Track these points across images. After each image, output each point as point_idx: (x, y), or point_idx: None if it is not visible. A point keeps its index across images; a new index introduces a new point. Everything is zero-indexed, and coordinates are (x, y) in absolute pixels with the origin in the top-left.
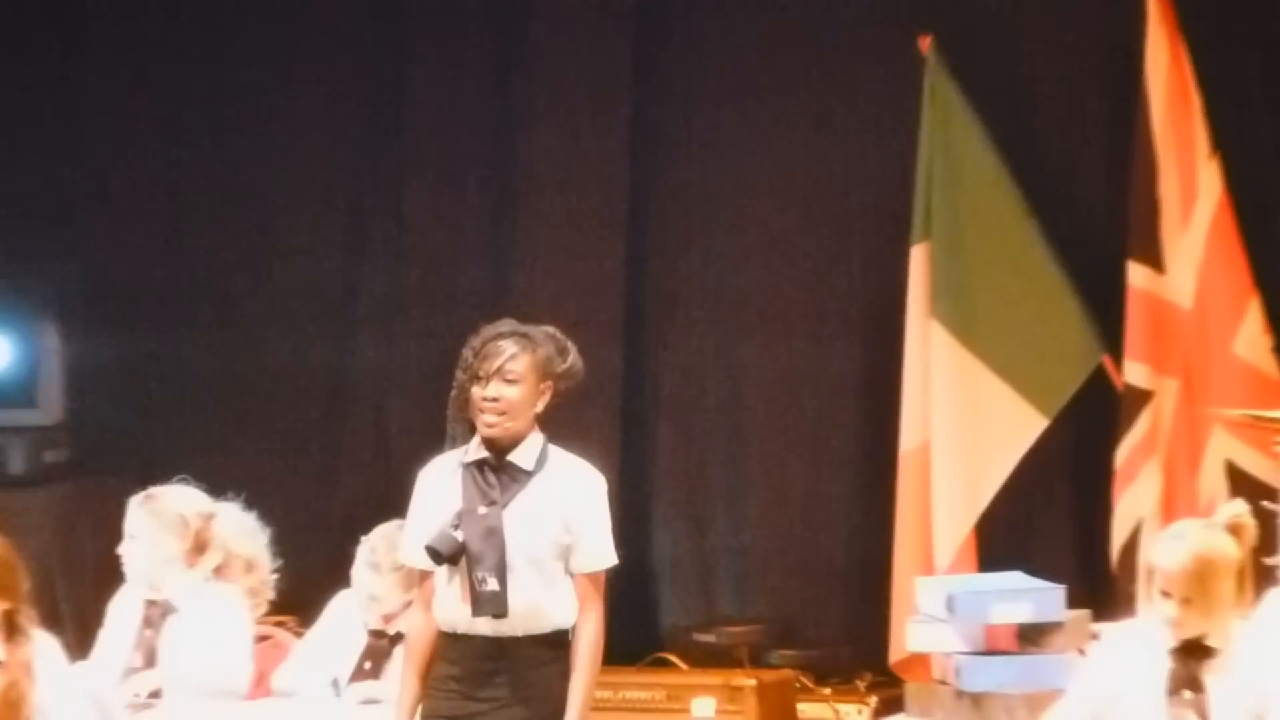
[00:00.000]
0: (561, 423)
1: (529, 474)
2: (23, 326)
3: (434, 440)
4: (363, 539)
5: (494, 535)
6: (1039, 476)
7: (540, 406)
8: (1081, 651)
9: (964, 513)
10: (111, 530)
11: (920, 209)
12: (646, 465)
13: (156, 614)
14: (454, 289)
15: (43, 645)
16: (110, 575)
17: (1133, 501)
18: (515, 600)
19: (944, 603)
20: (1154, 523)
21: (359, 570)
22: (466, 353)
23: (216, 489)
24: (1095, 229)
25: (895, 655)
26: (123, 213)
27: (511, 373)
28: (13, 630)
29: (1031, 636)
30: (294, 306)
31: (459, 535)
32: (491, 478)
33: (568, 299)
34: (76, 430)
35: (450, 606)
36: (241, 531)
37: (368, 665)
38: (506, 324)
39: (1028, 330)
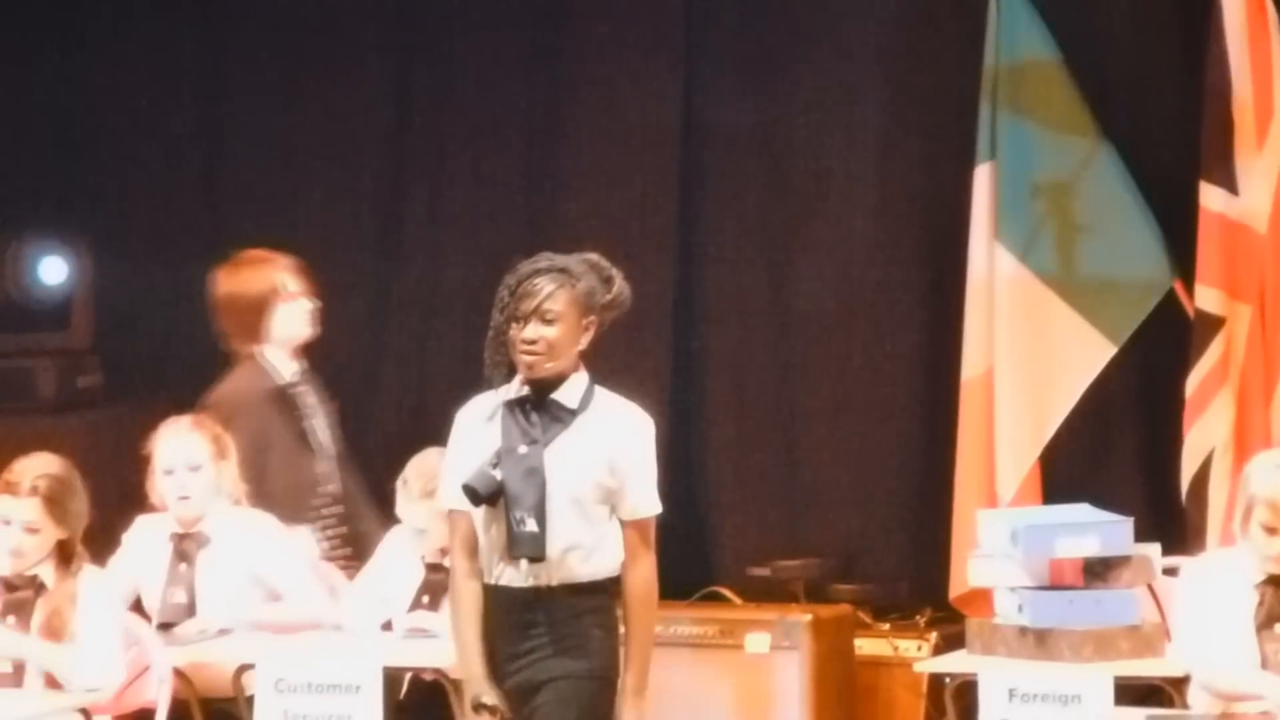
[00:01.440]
0: (611, 353)
1: (573, 412)
2: (58, 248)
3: (477, 371)
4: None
5: (534, 475)
6: (1106, 405)
7: (584, 343)
8: (1151, 586)
9: (1028, 443)
10: (142, 457)
11: (984, 128)
12: (699, 396)
13: (192, 547)
14: (499, 215)
15: (92, 579)
16: (141, 503)
17: (1204, 431)
18: (554, 544)
19: (1007, 536)
20: (1226, 454)
21: (399, 505)
22: (502, 292)
23: None
24: (1166, 148)
25: (956, 590)
26: (159, 138)
27: (550, 312)
28: (65, 559)
29: (1098, 571)
30: (333, 233)
31: (497, 474)
32: (534, 416)
33: (617, 225)
34: (109, 356)
35: (486, 553)
36: None
37: (425, 599)
38: (543, 259)
39: (1096, 253)
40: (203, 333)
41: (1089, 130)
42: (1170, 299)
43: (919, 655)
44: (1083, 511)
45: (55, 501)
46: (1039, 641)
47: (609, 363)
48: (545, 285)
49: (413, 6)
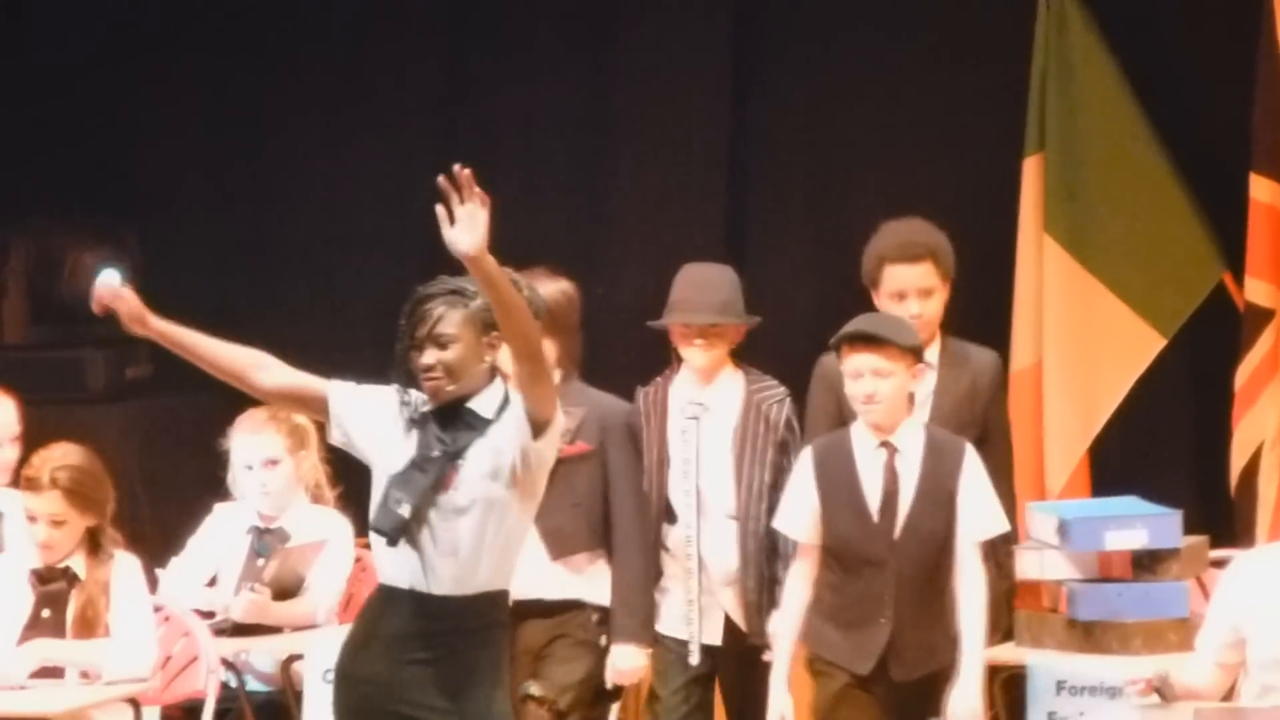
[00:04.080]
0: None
1: (488, 422)
2: (116, 257)
3: None
4: None
5: (428, 468)
6: (1156, 398)
7: (490, 359)
8: (1200, 579)
9: (1078, 435)
10: (192, 448)
11: (1033, 120)
12: None
13: (271, 542)
14: (545, 219)
15: (123, 565)
16: (192, 493)
17: (1253, 424)
18: (442, 547)
19: (1056, 528)
20: (1275, 446)
21: None
22: (401, 317)
23: None
24: (1216, 140)
25: None
26: (209, 129)
27: (443, 335)
28: (95, 548)
29: (1147, 563)
30: (384, 232)
31: (404, 511)
32: (447, 429)
33: (666, 225)
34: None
35: (377, 553)
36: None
37: None
38: (438, 283)
39: (1145, 245)
40: (250, 324)
41: (1138, 122)
42: (1220, 291)
43: None
44: (1132, 504)
45: (76, 491)
46: (1087, 634)
47: (660, 367)
48: (436, 308)
49: (462, 4)
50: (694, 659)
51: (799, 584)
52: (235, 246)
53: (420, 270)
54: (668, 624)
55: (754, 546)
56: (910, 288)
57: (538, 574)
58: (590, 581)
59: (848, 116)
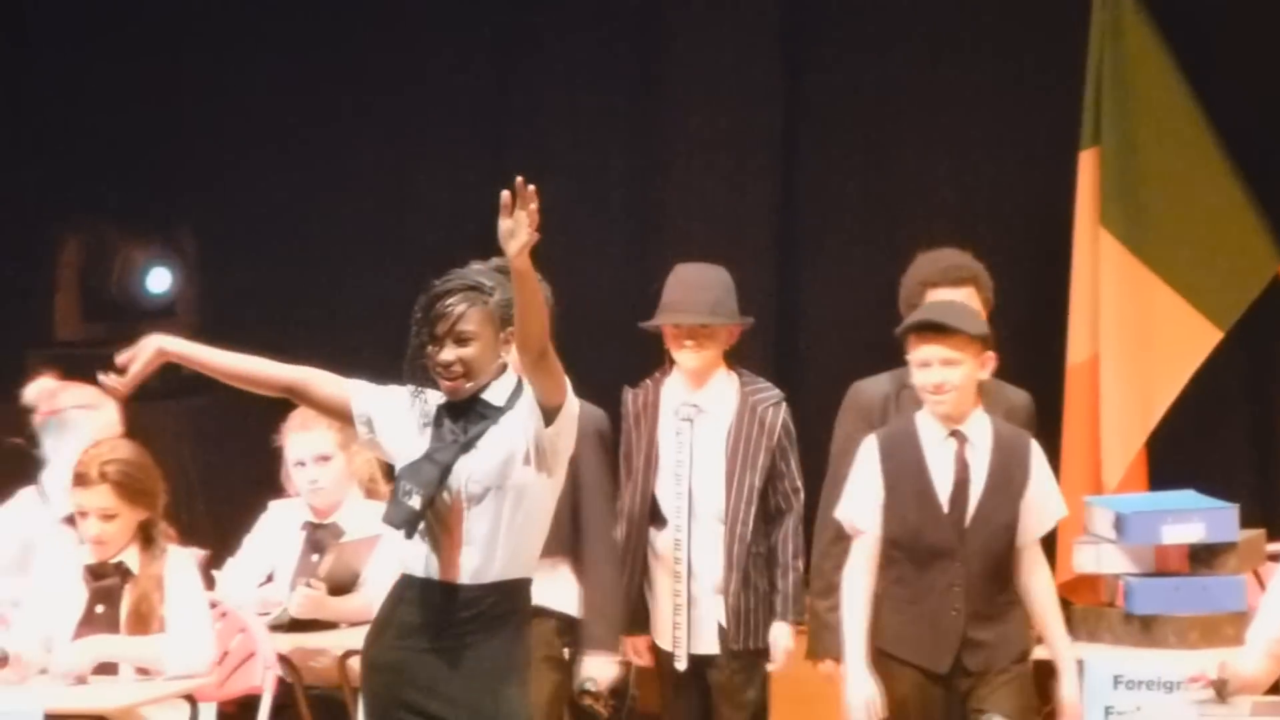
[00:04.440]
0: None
1: (500, 410)
2: (165, 256)
3: (576, 376)
4: None
5: (439, 458)
6: (1213, 391)
7: (505, 354)
8: (1257, 572)
9: (1134, 429)
10: (248, 444)
11: (1089, 113)
12: (799, 390)
13: (325, 538)
14: (600, 215)
15: (177, 560)
16: (247, 489)
17: None
18: (456, 536)
19: (1112, 523)
20: None
21: None
22: (416, 312)
23: None
24: (1271, 133)
25: (1061, 577)
26: (263, 133)
27: (464, 333)
28: (148, 542)
29: (1204, 557)
30: (434, 233)
31: (415, 503)
32: (460, 420)
33: (719, 222)
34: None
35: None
36: None
37: None
38: (455, 277)
39: (1201, 239)
40: (310, 325)
41: (1194, 115)
42: (1276, 284)
43: None
44: (1189, 498)
45: (125, 485)
46: (1144, 628)
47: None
48: (457, 306)
49: (509, 12)
50: (680, 664)
51: (861, 574)
52: (292, 240)
53: (472, 251)
54: (657, 634)
55: (740, 551)
56: None
57: None
58: (551, 588)
59: (900, 116)
